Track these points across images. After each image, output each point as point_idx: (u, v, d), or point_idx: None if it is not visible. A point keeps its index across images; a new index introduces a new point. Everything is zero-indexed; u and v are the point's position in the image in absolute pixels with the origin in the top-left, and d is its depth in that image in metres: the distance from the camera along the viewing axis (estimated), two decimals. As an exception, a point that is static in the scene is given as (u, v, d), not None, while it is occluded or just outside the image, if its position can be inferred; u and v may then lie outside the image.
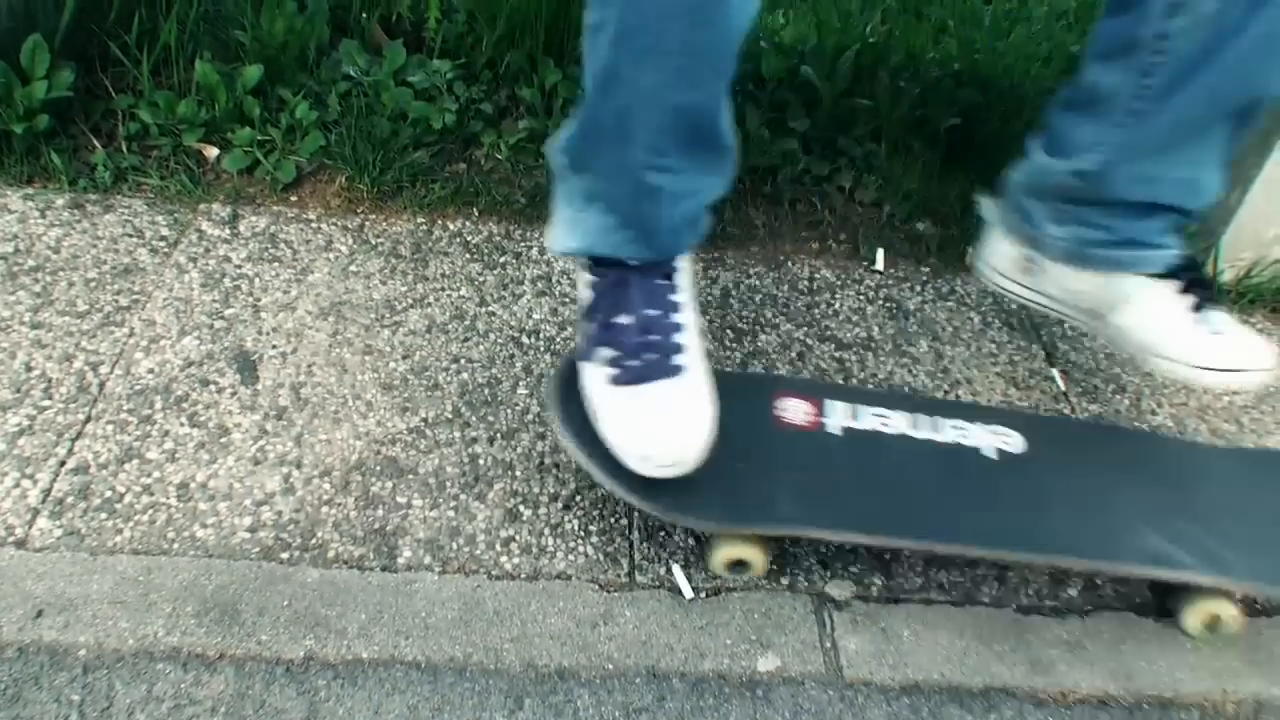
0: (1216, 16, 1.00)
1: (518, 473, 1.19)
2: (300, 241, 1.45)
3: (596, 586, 1.10)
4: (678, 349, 1.06)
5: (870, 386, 1.37)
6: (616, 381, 1.06)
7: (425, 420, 1.23)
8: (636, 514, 1.17)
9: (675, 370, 1.06)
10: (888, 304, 1.53)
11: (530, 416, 1.26)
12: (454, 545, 1.12)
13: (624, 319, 1.07)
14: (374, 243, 1.47)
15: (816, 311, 1.49)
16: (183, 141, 1.53)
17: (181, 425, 1.18)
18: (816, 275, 1.56)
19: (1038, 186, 1.23)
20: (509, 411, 1.26)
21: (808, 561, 1.16)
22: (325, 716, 0.96)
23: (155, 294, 1.33)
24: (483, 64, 1.71)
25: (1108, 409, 1.42)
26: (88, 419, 1.17)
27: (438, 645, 1.03)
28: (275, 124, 1.56)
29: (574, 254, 1.13)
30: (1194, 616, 1.14)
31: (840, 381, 1.37)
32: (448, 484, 1.17)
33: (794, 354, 1.41)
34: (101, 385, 1.20)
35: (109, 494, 1.10)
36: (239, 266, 1.39)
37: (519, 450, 1.22)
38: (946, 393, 1.39)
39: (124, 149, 1.52)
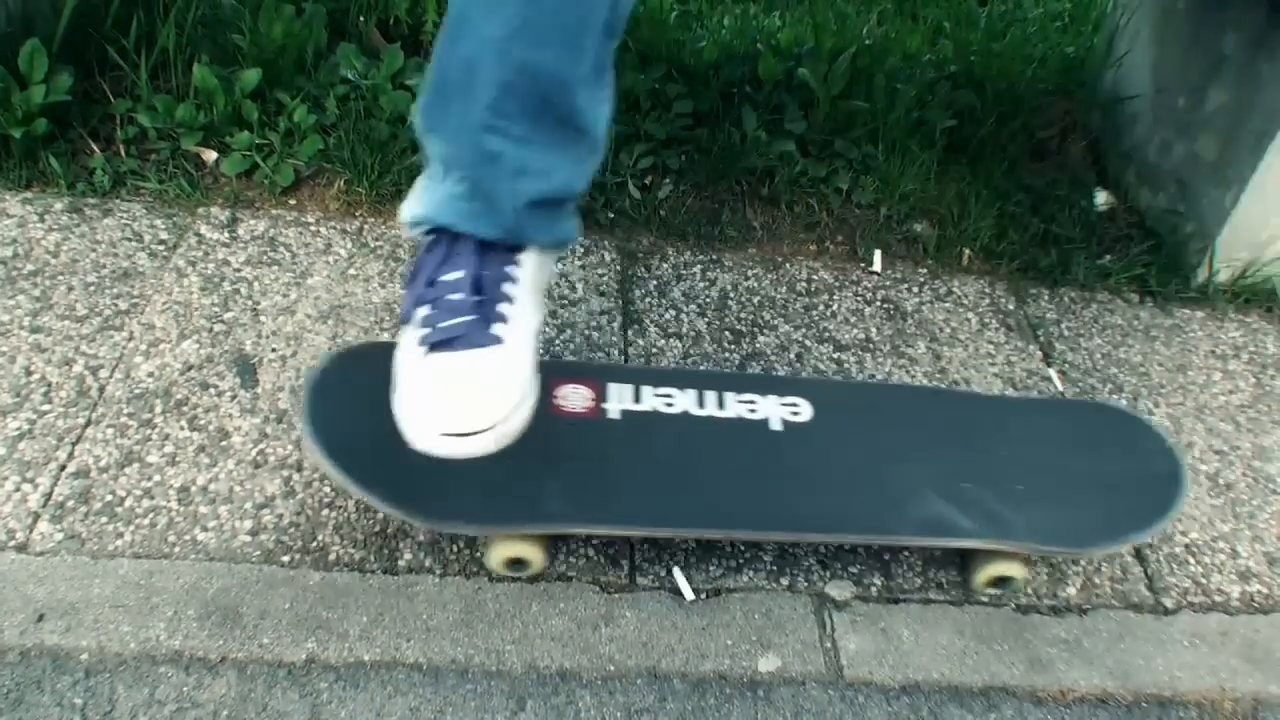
0: None
1: (518, 475, 1.20)
2: (299, 245, 1.45)
3: (597, 588, 1.11)
4: (501, 318, 0.97)
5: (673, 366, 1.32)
6: (426, 343, 0.95)
7: (425, 423, 1.23)
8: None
9: (494, 340, 0.95)
10: (885, 305, 1.53)
11: (530, 419, 1.26)
12: (455, 547, 1.12)
13: (450, 275, 0.97)
14: (373, 246, 1.47)
15: (814, 313, 1.50)
16: (181, 145, 1.53)
17: (182, 429, 1.18)
18: (814, 277, 1.56)
19: None
20: (509, 414, 1.26)
21: (807, 562, 1.16)
22: (327, 719, 0.96)
23: (154, 298, 1.33)
24: (480, 67, 1.71)
25: (1105, 409, 1.43)
26: (88, 423, 1.17)
27: (439, 647, 1.03)
28: (274, 127, 1.57)
29: (417, 222, 1.02)
30: (981, 576, 1.13)
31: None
32: (448, 486, 1.17)
33: (792, 355, 1.42)
34: (101, 389, 1.21)
35: (110, 498, 1.10)
36: (238, 270, 1.39)
37: (519, 452, 1.22)
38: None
39: (122, 153, 1.52)
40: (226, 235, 1.44)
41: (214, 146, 1.55)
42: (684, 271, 1.52)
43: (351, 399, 1.07)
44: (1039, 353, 1.50)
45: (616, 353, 1.37)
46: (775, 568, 1.15)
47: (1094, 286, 1.63)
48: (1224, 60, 1.57)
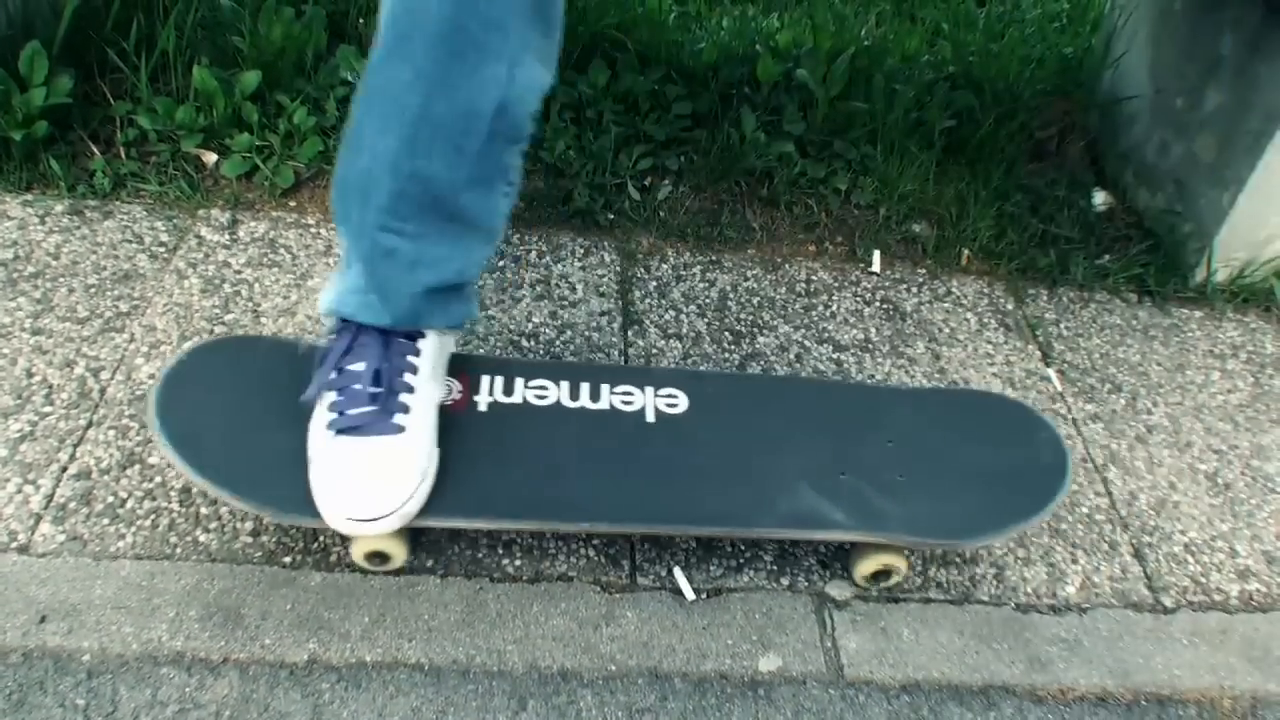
0: None
1: (518, 475, 1.20)
2: (299, 246, 1.45)
3: (598, 588, 1.11)
4: (403, 409, 1.03)
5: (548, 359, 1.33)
6: (333, 427, 1.02)
7: (426, 424, 1.24)
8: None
9: (395, 429, 1.02)
10: (885, 305, 1.53)
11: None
12: (456, 548, 1.12)
13: (355, 366, 1.04)
14: (373, 247, 1.47)
15: (814, 313, 1.50)
16: (181, 147, 1.54)
17: (183, 430, 1.18)
18: (813, 277, 1.57)
19: None
20: (509, 414, 1.26)
21: (808, 562, 1.17)
22: (329, 719, 0.96)
23: (155, 299, 1.33)
24: (480, 69, 1.71)
25: (1104, 408, 1.43)
26: (89, 424, 1.17)
27: (441, 647, 1.03)
28: (274, 129, 1.57)
29: (326, 312, 1.08)
30: (860, 569, 1.12)
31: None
32: (449, 487, 1.17)
33: (792, 355, 1.42)
34: (103, 391, 1.21)
35: (111, 499, 1.10)
36: (238, 272, 1.39)
37: (519, 453, 1.22)
38: (943, 393, 1.39)
39: (123, 155, 1.52)
40: (227, 237, 1.44)
41: (214, 148, 1.55)
42: (683, 272, 1.53)
43: (207, 393, 1.09)
44: (1038, 352, 1.50)
45: (616, 353, 1.37)
46: (776, 567, 1.15)
47: (1092, 286, 1.64)
48: (1221, 61, 1.58)
